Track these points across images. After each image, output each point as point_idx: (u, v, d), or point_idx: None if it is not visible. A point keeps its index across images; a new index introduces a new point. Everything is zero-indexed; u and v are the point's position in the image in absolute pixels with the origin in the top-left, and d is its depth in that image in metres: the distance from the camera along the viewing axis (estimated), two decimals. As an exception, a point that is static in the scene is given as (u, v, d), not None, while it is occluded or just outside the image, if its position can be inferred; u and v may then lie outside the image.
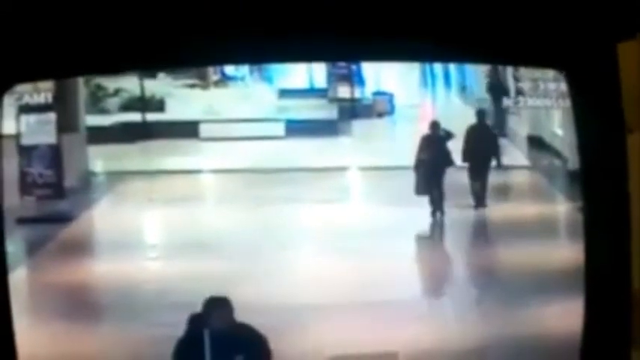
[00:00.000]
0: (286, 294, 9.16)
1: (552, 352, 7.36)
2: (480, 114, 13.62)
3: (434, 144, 12.52)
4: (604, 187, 4.72)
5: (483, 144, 12.85)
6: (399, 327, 8.40)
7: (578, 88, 4.82)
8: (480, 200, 12.76)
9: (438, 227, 13.05)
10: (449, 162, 12.43)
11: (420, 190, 12.47)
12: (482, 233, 12.60)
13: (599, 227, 4.71)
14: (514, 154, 17.04)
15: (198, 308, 7.94)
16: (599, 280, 4.68)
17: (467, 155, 12.74)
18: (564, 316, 7.59)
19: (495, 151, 13.17)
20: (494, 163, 13.07)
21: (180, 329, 8.25)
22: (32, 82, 11.31)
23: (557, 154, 15.73)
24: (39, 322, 8.69)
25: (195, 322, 5.50)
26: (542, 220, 12.38)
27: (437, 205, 12.42)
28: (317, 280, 9.83)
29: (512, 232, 11.76)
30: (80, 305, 9.73)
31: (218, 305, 5.50)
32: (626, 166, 4.66)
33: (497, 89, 16.14)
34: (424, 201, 13.72)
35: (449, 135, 12.73)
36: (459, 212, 13.46)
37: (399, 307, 9.02)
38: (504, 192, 14.11)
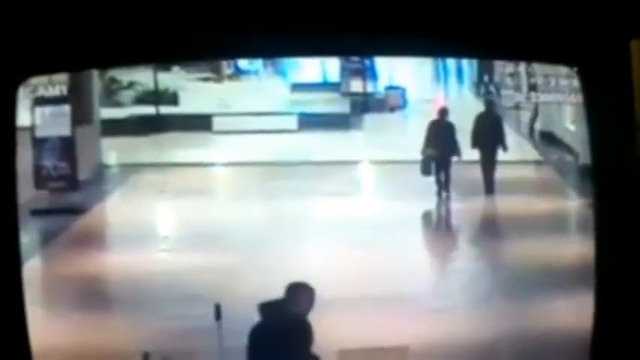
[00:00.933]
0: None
1: (562, 348, 7.36)
2: (489, 103, 14.40)
3: (442, 129, 13.12)
4: (615, 183, 4.72)
5: (491, 131, 13.36)
6: (409, 320, 8.41)
7: (590, 84, 4.81)
8: (489, 188, 13.31)
9: (448, 221, 13.05)
10: (456, 148, 13.07)
11: (425, 170, 13.08)
12: (493, 228, 12.59)
13: (610, 223, 4.71)
14: (526, 148, 17.01)
15: (209, 301, 7.99)
16: (610, 276, 4.68)
17: (475, 141, 13.30)
18: (574, 311, 7.59)
19: (502, 139, 13.56)
20: (501, 150, 13.56)
21: (191, 321, 8.33)
22: (47, 75, 11.37)
23: (568, 149, 15.69)
24: (52, 313, 8.76)
25: (271, 309, 5.57)
26: (553, 215, 12.36)
27: (443, 186, 13.08)
28: (328, 274, 9.84)
29: (523, 227, 11.74)
30: (93, 296, 9.80)
31: (304, 291, 5.58)
32: (638, 162, 4.66)
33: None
34: (435, 195, 13.73)
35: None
36: (470, 207, 13.46)
37: (409, 301, 9.03)
38: (516, 186, 14.08)
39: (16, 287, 4.58)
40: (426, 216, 13.23)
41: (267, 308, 5.54)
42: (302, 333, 5.50)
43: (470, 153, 14.92)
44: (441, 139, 13.04)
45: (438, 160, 13.02)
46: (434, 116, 13.82)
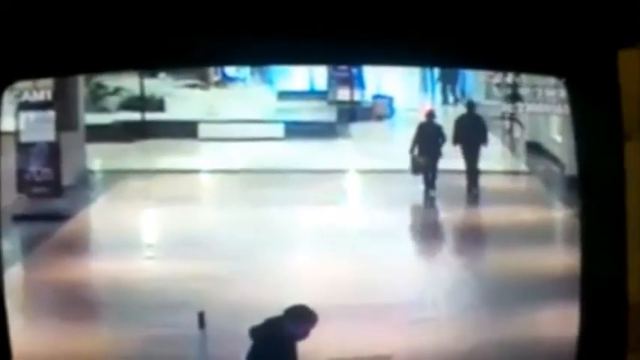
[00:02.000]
0: (282, 295, 9.13)
1: (547, 357, 7.35)
2: (470, 104, 15.11)
3: (430, 130, 14.07)
4: (601, 194, 4.72)
5: (473, 131, 14.24)
6: (393, 330, 8.39)
7: (577, 94, 4.82)
8: (474, 183, 14.10)
9: (434, 230, 13.05)
10: (441, 148, 13.98)
11: (415, 170, 13.99)
12: (479, 238, 12.60)
13: (596, 233, 4.71)
14: (512, 159, 17.06)
15: (193, 308, 7.94)
16: (595, 286, 4.68)
17: (457, 140, 14.16)
18: (560, 321, 7.59)
19: (484, 137, 14.44)
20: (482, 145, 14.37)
21: (175, 329, 8.27)
22: (32, 80, 11.29)
23: (555, 160, 15.75)
24: (34, 320, 8.67)
25: (272, 328, 5.43)
26: (539, 226, 12.39)
27: (430, 184, 13.94)
28: (313, 282, 9.82)
29: (510, 237, 11.76)
30: (76, 304, 9.71)
31: (310, 318, 5.40)
32: (624, 173, 4.67)
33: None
34: (421, 205, 13.73)
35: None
36: (456, 217, 13.47)
37: (393, 310, 9.01)
38: (502, 197, 14.11)
39: (-3, 294, 4.52)
40: (412, 225, 13.23)
41: (265, 329, 5.43)
42: (294, 352, 5.43)
43: (455, 162, 15.00)
44: (428, 140, 13.91)
45: (426, 160, 13.80)
46: (415, 134, 14.37)
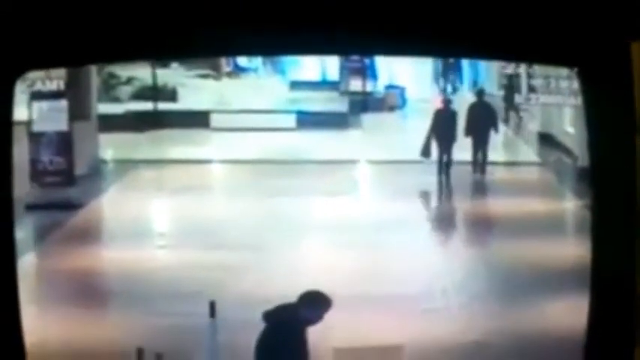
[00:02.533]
0: (293, 285, 9.16)
1: (556, 349, 7.35)
2: (480, 93, 15.62)
3: (445, 117, 14.56)
4: (613, 186, 4.70)
5: (483, 119, 14.70)
6: (404, 320, 8.40)
7: (590, 86, 4.79)
8: (480, 168, 14.63)
9: (445, 221, 13.04)
10: (455, 134, 14.50)
11: (425, 152, 14.53)
12: (490, 228, 12.58)
13: (607, 226, 4.69)
14: (524, 150, 17.00)
15: (204, 298, 7.98)
16: (605, 278, 4.66)
17: (469, 130, 14.58)
18: (569, 313, 7.58)
19: (495, 124, 14.94)
20: (493, 132, 14.91)
21: (186, 318, 8.31)
22: (45, 70, 11.33)
23: (567, 151, 15.69)
24: (46, 309, 8.73)
25: (285, 313, 5.43)
26: (550, 217, 12.36)
27: (444, 169, 14.41)
28: (324, 273, 9.84)
29: (520, 228, 11.74)
30: (88, 292, 9.77)
31: (324, 303, 5.40)
32: (636, 166, 4.64)
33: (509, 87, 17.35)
34: (432, 196, 13.72)
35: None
36: (467, 208, 13.45)
37: (404, 301, 9.02)
38: (513, 188, 14.08)
39: (10, 282, 4.55)
40: (423, 216, 13.22)
41: (279, 313, 5.43)
42: (305, 338, 5.43)
43: (467, 154, 14.97)
44: (444, 127, 14.38)
45: (443, 144, 14.30)
46: (431, 120, 14.72)
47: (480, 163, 14.58)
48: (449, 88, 22.11)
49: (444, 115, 14.66)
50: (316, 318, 5.41)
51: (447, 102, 15.23)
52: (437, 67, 22.81)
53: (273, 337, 5.35)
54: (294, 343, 5.33)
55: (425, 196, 14.38)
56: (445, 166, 14.39)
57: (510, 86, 17.01)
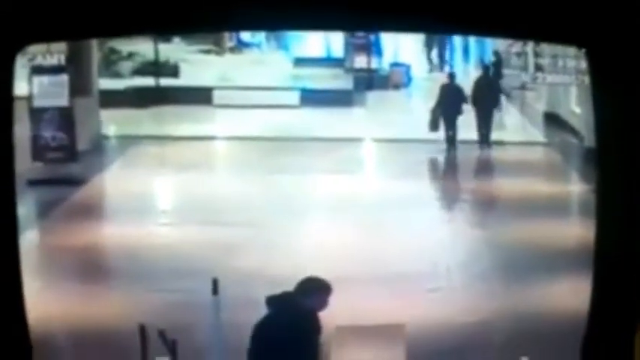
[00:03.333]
0: (295, 263, 9.16)
1: (558, 330, 7.35)
2: (485, 68, 16.49)
3: (451, 91, 15.08)
4: (619, 168, 4.65)
5: (488, 92, 15.31)
6: (407, 299, 8.40)
7: (598, 66, 4.72)
8: (485, 138, 15.12)
9: (449, 201, 13.01)
10: (462, 107, 15.00)
11: (433, 127, 15.00)
12: (494, 209, 12.55)
13: (612, 207, 4.65)
14: (530, 130, 16.92)
15: (207, 275, 7.96)
16: (609, 260, 4.62)
17: (475, 102, 15.15)
18: (572, 294, 7.57)
19: (498, 98, 15.61)
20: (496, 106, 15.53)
21: (188, 295, 8.30)
22: (45, 43, 11.24)
23: (573, 132, 15.61)
24: (49, 285, 8.73)
25: (284, 301, 5.28)
26: (555, 198, 12.32)
27: (451, 142, 14.93)
28: (326, 251, 9.83)
29: (525, 208, 11.71)
30: (90, 268, 9.77)
31: (323, 289, 5.26)
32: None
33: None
34: (436, 175, 13.68)
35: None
36: (471, 188, 13.42)
37: (408, 280, 9.01)
38: (518, 168, 14.03)
39: (12, 258, 4.53)
40: (426, 196, 13.18)
41: (277, 301, 5.33)
42: (311, 325, 5.31)
43: (471, 133, 14.91)
44: (449, 100, 14.90)
45: (449, 117, 14.82)
46: (437, 94, 15.07)
47: (484, 134, 15.04)
48: (449, 64, 22.02)
49: (449, 90, 15.09)
50: (320, 304, 5.32)
51: (451, 76, 15.63)
52: (443, 44, 22.65)
53: (274, 324, 5.26)
54: (296, 333, 5.22)
55: (429, 175, 14.35)
56: (451, 139, 14.85)
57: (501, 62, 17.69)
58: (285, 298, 5.34)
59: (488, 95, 15.16)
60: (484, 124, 15.06)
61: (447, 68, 20.84)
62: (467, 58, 23.13)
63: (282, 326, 5.20)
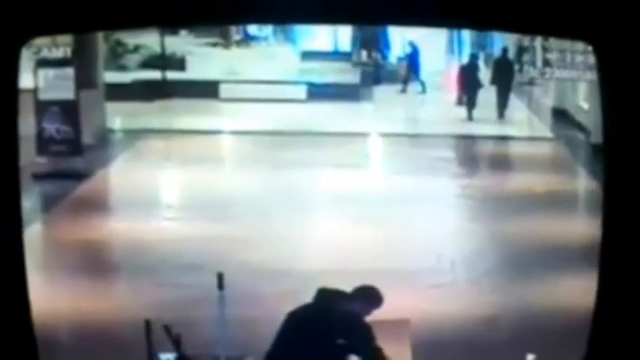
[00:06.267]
0: (301, 258, 9.15)
1: (564, 325, 7.32)
2: (504, 51, 18.21)
3: (471, 71, 17.66)
4: (626, 164, 4.62)
5: (505, 71, 17.49)
6: (412, 294, 8.37)
7: (605, 61, 4.69)
8: (501, 111, 17.29)
9: (455, 196, 12.98)
10: (479, 82, 17.53)
11: (459, 102, 17.63)
12: (501, 204, 12.50)
13: (619, 203, 4.62)
14: (537, 125, 16.89)
15: (212, 270, 7.94)
16: (615, 256, 4.60)
17: (494, 80, 17.46)
18: (578, 290, 7.54)
19: (512, 76, 17.83)
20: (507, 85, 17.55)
21: (193, 290, 8.29)
22: (51, 36, 11.22)
23: (581, 127, 15.55)
24: (53, 279, 8.72)
25: (339, 299, 5.38)
26: (562, 193, 12.28)
27: (470, 111, 17.20)
28: (332, 246, 9.81)
29: (532, 204, 11.67)
30: (94, 263, 9.77)
31: (378, 301, 5.40)
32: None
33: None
34: (443, 170, 13.66)
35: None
36: (478, 183, 13.38)
37: (412, 275, 8.99)
38: (526, 163, 14.00)
39: (17, 252, 4.51)
40: (433, 191, 13.15)
41: (327, 295, 5.37)
42: (348, 327, 5.35)
43: (476, 129, 14.86)
44: (470, 76, 17.43)
45: (470, 93, 17.20)
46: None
47: (502, 106, 17.13)
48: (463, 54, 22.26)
49: (469, 68, 17.58)
50: (366, 313, 5.37)
51: (472, 57, 18.37)
52: (451, 39, 22.60)
53: (315, 313, 5.27)
54: (329, 329, 5.25)
55: (435, 170, 14.31)
56: (470, 110, 17.00)
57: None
58: (337, 295, 5.35)
59: (504, 73, 17.21)
60: (502, 97, 17.11)
61: (456, 62, 21.15)
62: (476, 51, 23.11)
63: (323, 320, 5.20)
